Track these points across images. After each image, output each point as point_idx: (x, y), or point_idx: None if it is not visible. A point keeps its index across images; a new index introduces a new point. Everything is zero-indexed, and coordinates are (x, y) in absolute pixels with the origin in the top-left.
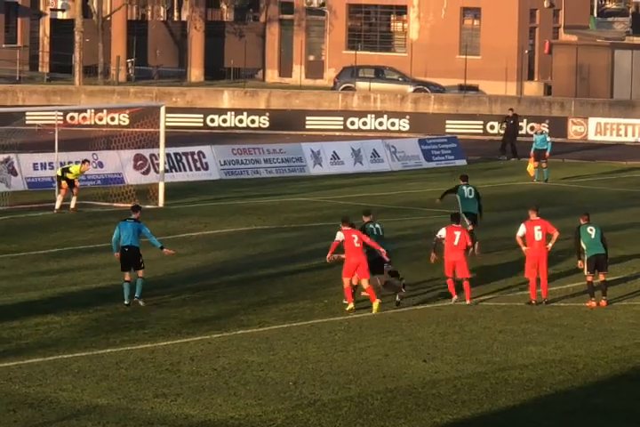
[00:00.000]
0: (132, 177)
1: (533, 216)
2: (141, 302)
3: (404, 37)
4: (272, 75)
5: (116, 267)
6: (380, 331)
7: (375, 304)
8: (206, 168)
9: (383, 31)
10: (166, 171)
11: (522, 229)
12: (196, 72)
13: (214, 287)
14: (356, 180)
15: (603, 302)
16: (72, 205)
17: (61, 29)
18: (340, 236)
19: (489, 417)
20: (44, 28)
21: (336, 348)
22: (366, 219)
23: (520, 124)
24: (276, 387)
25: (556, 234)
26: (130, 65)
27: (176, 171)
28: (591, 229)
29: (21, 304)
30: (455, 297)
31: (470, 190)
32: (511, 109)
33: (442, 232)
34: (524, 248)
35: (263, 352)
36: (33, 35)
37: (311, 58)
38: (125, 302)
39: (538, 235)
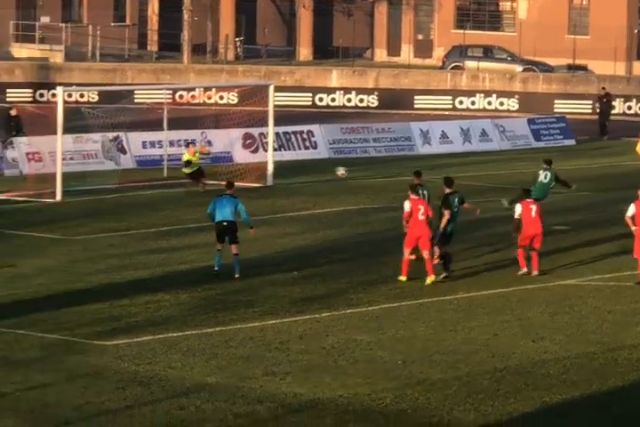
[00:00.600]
0: (241, 156)
1: None
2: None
3: (512, 17)
4: (380, 54)
5: (226, 246)
6: (490, 310)
7: (429, 279)
8: (315, 147)
9: (492, 10)
10: (275, 149)
11: (631, 209)
12: (304, 51)
13: (323, 266)
14: (465, 159)
15: None
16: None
17: (170, 8)
18: (407, 206)
19: (598, 397)
20: (153, 6)
21: (445, 327)
22: (416, 180)
23: (629, 104)
24: (384, 366)
25: None
26: (238, 44)
27: (285, 150)
28: None
29: (131, 282)
30: (524, 269)
31: (546, 175)
32: (604, 88)
33: (518, 210)
34: (633, 228)
35: (372, 331)
36: (142, 13)
37: (420, 37)
38: (215, 268)
39: None
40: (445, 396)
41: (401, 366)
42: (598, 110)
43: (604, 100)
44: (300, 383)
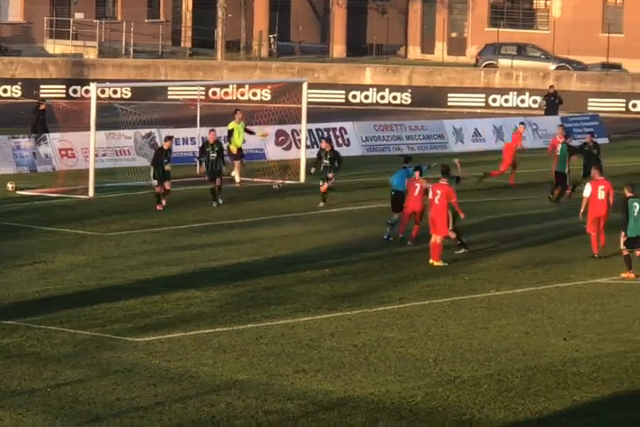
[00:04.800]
0: (274, 152)
1: None
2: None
3: (546, 15)
4: (414, 51)
5: (257, 242)
6: (521, 309)
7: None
8: (348, 144)
9: (526, 8)
10: (307, 147)
11: None
12: (338, 48)
13: (355, 263)
14: (498, 157)
15: None
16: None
17: (204, 4)
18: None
19: (629, 396)
20: (187, 2)
21: (476, 325)
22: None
23: None
24: (415, 363)
25: None
26: (272, 40)
27: (317, 147)
28: None
29: (162, 279)
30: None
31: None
32: (552, 86)
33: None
34: None
35: (403, 329)
36: (175, 10)
37: (453, 35)
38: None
39: None
40: (476, 394)
41: (432, 364)
42: (544, 108)
43: (552, 99)
44: (331, 381)
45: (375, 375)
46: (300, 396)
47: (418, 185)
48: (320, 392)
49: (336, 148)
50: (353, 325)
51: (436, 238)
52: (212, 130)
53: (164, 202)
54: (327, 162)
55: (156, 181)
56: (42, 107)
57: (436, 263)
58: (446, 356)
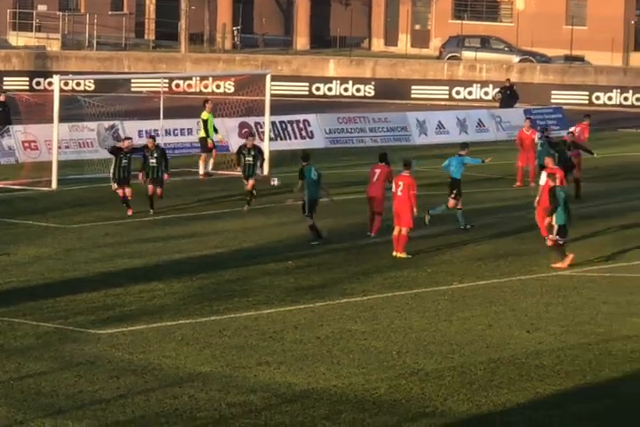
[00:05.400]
0: (238, 145)
1: None
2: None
3: (510, 7)
4: (378, 44)
5: (221, 235)
6: (484, 301)
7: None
8: (311, 137)
9: (489, 1)
10: (271, 139)
11: None
12: (301, 40)
13: (318, 256)
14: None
15: None
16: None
17: None
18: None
19: (592, 388)
20: None
21: (439, 317)
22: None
23: (626, 95)
24: (379, 356)
25: None
26: (235, 33)
27: (281, 139)
28: None
29: (125, 271)
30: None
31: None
32: (508, 80)
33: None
34: None
35: (367, 321)
36: (139, 2)
37: (417, 27)
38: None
39: None
40: (439, 386)
41: (395, 357)
42: (499, 102)
43: (508, 92)
44: (294, 373)
45: (338, 368)
46: (263, 388)
47: (378, 171)
48: (283, 384)
49: (300, 140)
50: (316, 317)
51: (400, 230)
52: (151, 136)
53: (129, 211)
54: (250, 159)
55: (115, 184)
56: (1, 98)
57: (399, 255)
58: (409, 348)
